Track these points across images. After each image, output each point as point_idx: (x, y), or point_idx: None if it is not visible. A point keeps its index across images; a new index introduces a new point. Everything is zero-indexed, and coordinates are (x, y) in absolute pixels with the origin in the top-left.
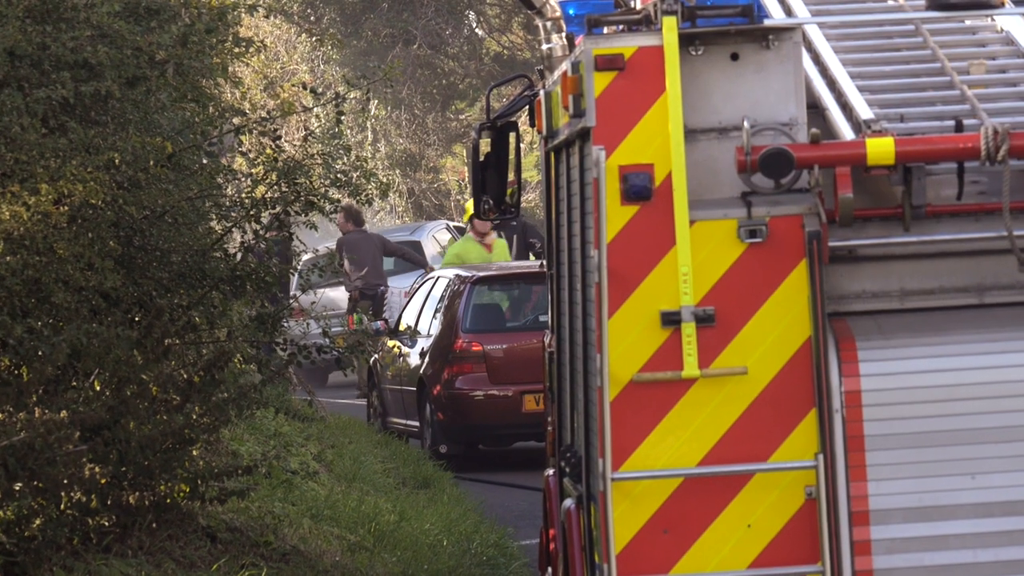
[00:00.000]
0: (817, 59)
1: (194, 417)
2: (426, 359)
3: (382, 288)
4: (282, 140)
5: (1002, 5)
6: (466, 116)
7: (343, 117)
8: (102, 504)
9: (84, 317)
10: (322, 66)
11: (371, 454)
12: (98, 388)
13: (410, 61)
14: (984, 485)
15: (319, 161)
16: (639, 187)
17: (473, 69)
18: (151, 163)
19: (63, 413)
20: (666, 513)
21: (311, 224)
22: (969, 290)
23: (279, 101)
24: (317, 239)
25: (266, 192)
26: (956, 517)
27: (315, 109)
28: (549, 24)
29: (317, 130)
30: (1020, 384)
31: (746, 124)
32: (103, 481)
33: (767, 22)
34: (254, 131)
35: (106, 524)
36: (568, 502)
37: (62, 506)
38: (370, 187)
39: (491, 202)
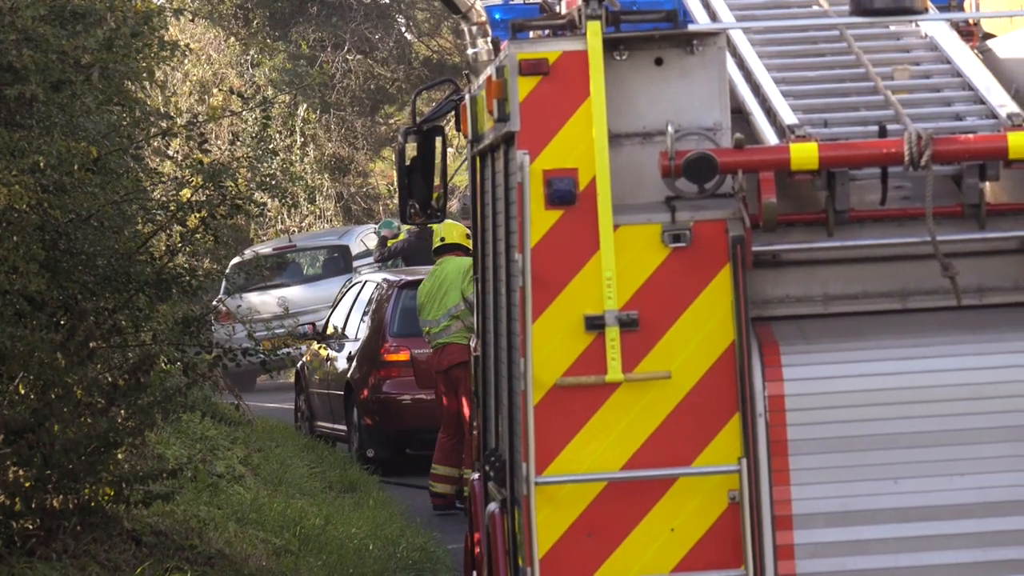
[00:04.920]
0: (742, 64)
1: (119, 420)
2: (353, 363)
3: None
4: (208, 144)
5: (925, 10)
6: (395, 120)
7: (270, 121)
8: (26, 507)
9: (8, 320)
10: (251, 70)
11: (298, 458)
12: (22, 391)
13: (339, 66)
14: (906, 490)
15: (245, 164)
16: (563, 192)
17: (402, 73)
18: (76, 167)
19: None
20: (590, 517)
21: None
22: (892, 295)
23: (207, 105)
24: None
25: (191, 195)
26: (878, 522)
27: (243, 114)
28: (475, 29)
29: (245, 134)
30: (942, 389)
31: (670, 129)
32: (27, 484)
33: (691, 27)
34: (180, 135)
35: (30, 527)
36: (492, 506)
37: None
38: (297, 189)
39: (417, 206)
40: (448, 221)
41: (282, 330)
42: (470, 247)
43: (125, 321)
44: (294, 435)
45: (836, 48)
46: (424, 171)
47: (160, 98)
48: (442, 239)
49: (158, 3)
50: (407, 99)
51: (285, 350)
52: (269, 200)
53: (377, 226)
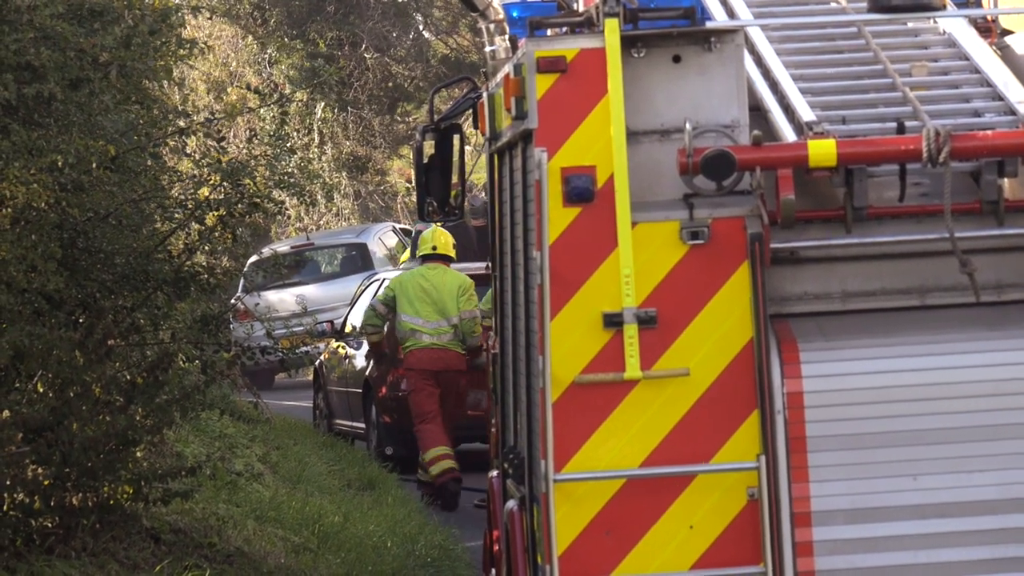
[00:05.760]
0: (760, 61)
1: (137, 418)
2: (372, 361)
3: None
4: (226, 141)
5: (944, 7)
6: (413, 118)
7: (287, 118)
8: (45, 505)
9: (27, 319)
10: (268, 68)
11: (316, 456)
12: (41, 389)
13: (357, 64)
14: (925, 487)
15: (263, 162)
16: (581, 189)
17: (420, 71)
18: (94, 165)
19: (6, 414)
20: (608, 514)
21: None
22: (911, 292)
23: (224, 103)
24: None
25: (209, 193)
26: (897, 518)
27: (260, 111)
28: (492, 26)
29: (262, 132)
30: (961, 385)
31: (688, 126)
32: (46, 482)
33: (709, 24)
34: (198, 132)
35: (49, 525)
36: (511, 503)
37: (4, 507)
38: (315, 187)
39: (434, 204)
40: (437, 229)
41: (300, 328)
42: (455, 257)
43: (143, 319)
44: (312, 433)
45: (854, 45)
46: (442, 169)
47: (178, 96)
48: (434, 248)
49: (176, 1)
50: (425, 97)
51: (303, 348)
52: (287, 198)
53: (414, 225)
